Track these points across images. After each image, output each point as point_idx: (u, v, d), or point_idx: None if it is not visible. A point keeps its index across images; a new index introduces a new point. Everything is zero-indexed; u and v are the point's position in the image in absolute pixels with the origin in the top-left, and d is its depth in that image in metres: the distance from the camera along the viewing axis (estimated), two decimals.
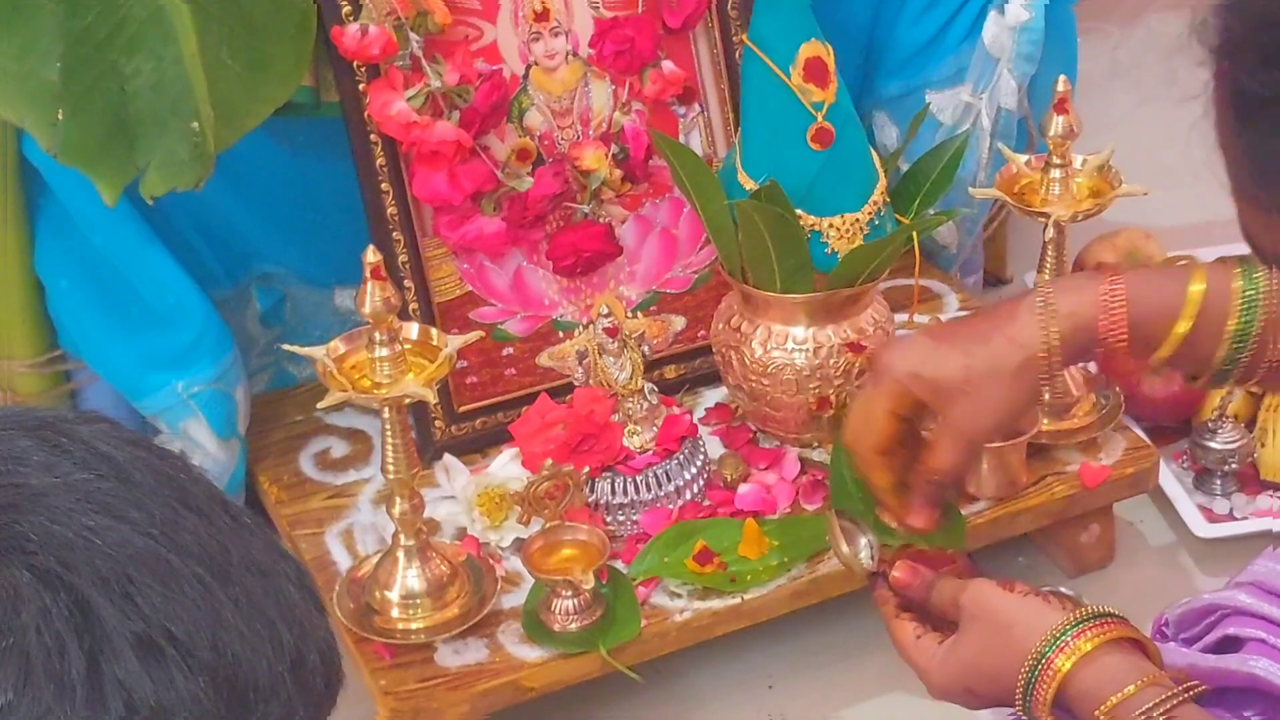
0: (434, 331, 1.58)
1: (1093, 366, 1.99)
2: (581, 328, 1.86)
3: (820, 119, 1.72)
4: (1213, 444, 1.89)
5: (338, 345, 1.56)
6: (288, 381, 1.99)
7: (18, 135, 1.71)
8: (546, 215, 1.82)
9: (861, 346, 1.75)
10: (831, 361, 1.75)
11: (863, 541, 1.41)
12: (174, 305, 1.77)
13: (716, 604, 1.66)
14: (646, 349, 1.75)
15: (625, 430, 1.72)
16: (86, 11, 1.55)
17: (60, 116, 1.55)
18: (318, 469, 1.86)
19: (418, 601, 1.62)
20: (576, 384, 1.74)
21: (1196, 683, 1.25)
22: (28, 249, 1.79)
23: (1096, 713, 1.23)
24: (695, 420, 1.81)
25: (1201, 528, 1.86)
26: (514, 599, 1.66)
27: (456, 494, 1.76)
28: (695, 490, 1.74)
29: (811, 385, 1.76)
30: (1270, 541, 1.85)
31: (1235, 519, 1.88)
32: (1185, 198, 2.37)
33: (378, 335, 1.52)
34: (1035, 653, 1.25)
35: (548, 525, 1.63)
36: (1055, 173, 1.76)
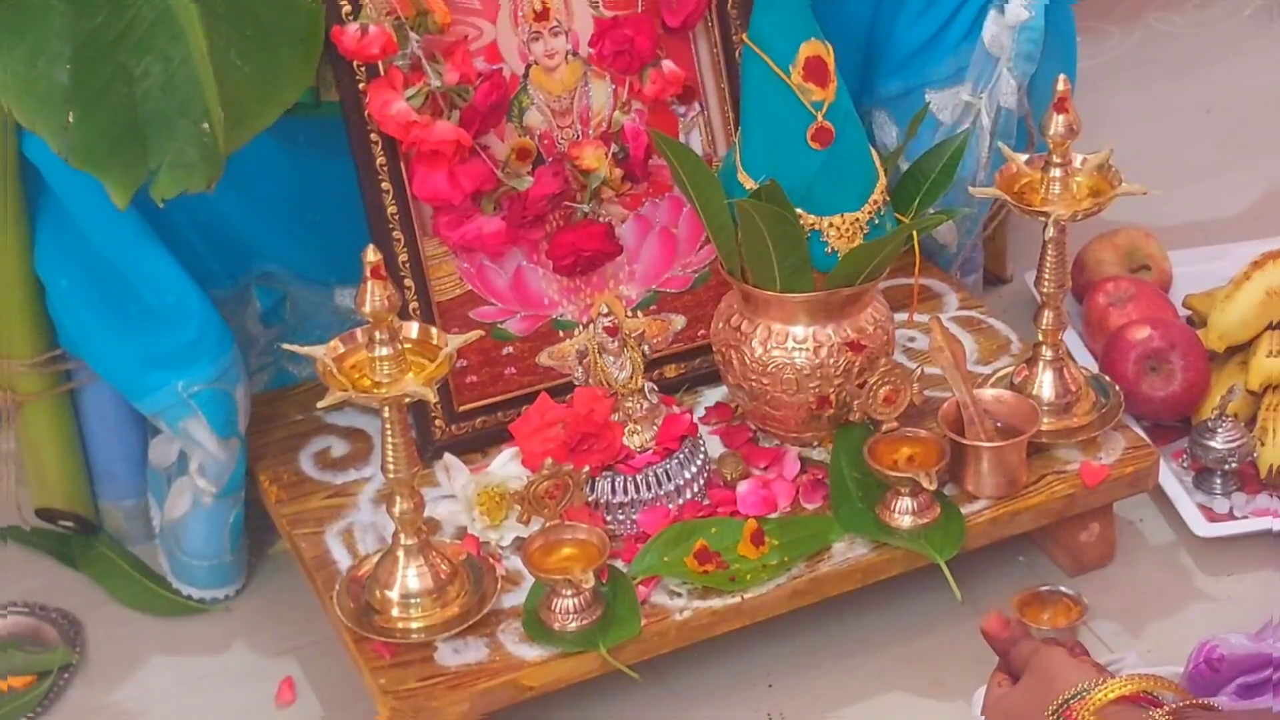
0: (434, 331, 1.58)
1: (1093, 364, 1.99)
2: (581, 327, 1.86)
3: (820, 118, 1.72)
4: (1212, 443, 1.89)
5: (337, 344, 1.56)
6: (288, 381, 1.99)
7: (18, 134, 1.71)
8: (546, 215, 1.82)
9: (861, 346, 1.75)
10: (831, 360, 1.75)
11: None
12: (174, 304, 1.77)
13: (716, 603, 1.66)
14: (646, 348, 1.75)
15: (625, 429, 1.72)
16: (95, 13, 1.55)
17: (71, 119, 1.55)
18: (318, 468, 1.86)
19: (418, 601, 1.62)
20: (576, 383, 1.74)
21: (1193, 701, 1.29)
22: (28, 248, 1.79)
23: None
24: (695, 419, 1.80)
25: (1201, 527, 1.86)
26: (514, 598, 1.66)
27: (456, 493, 1.76)
28: (695, 489, 1.74)
29: (811, 384, 1.76)
30: (1270, 540, 1.86)
31: (1235, 518, 1.88)
32: (1185, 196, 2.38)
33: (378, 334, 1.52)
34: (1066, 696, 1.39)
35: (548, 524, 1.64)
36: (1055, 172, 1.76)
